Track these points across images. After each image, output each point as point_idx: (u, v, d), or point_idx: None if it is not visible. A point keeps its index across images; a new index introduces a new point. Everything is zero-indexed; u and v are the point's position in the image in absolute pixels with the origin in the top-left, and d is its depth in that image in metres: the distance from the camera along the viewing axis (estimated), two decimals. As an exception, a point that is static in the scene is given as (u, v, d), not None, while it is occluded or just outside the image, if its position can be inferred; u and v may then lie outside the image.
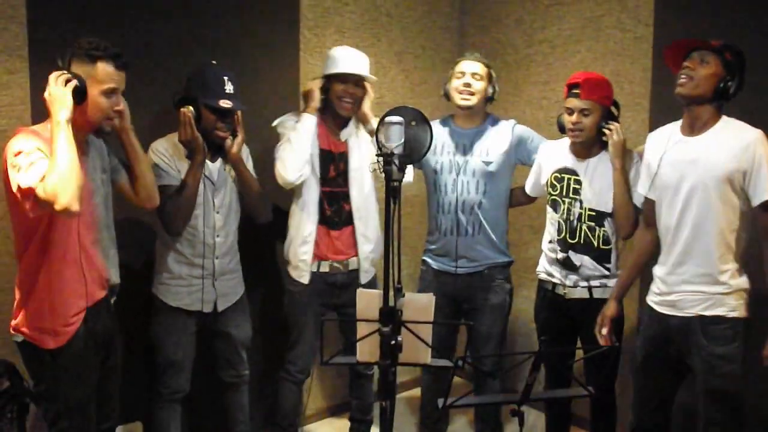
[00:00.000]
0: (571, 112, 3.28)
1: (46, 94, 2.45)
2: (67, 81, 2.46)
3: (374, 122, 3.51)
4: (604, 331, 3.21)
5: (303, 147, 3.40)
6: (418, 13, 4.67)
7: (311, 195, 3.52)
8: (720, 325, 2.82)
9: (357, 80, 3.48)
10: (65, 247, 2.60)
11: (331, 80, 3.47)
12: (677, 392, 3.10)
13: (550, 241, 3.47)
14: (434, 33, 4.79)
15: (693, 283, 2.87)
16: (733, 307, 2.82)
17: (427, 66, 4.76)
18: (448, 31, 4.88)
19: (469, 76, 3.55)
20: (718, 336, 2.81)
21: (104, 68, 2.57)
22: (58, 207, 2.29)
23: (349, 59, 3.48)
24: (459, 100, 3.57)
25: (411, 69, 4.67)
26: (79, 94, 2.49)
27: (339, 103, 3.48)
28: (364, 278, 3.68)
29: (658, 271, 3.03)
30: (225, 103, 3.13)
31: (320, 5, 4.11)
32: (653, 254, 3.10)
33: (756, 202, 2.75)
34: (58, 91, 2.43)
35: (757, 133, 2.75)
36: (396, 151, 2.34)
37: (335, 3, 4.18)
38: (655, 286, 3.03)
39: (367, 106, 3.55)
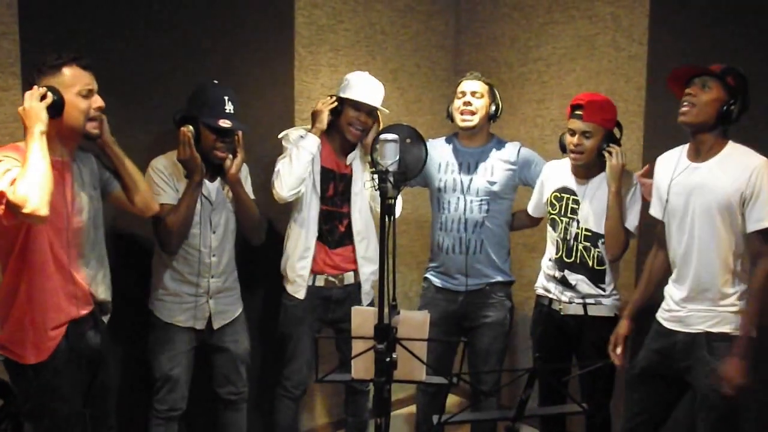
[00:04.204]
0: (573, 133, 3.28)
1: (20, 109, 2.46)
2: (43, 97, 2.47)
3: None
4: (619, 350, 3.23)
5: (302, 167, 3.40)
6: (413, 31, 4.69)
7: (311, 212, 3.53)
8: (725, 342, 2.83)
9: (370, 110, 3.50)
10: (43, 262, 2.60)
11: (344, 103, 3.49)
12: (670, 412, 3.12)
13: (549, 260, 3.49)
14: (429, 51, 4.81)
15: (701, 303, 2.89)
16: (736, 327, 2.83)
17: (422, 84, 4.78)
18: (443, 49, 4.90)
19: (469, 95, 3.55)
20: (723, 353, 2.83)
21: (71, 72, 2.58)
22: (25, 210, 2.29)
23: (367, 88, 3.49)
24: (460, 121, 3.57)
25: (406, 87, 4.69)
26: (56, 107, 2.50)
27: (348, 129, 3.50)
28: (365, 299, 3.69)
29: (668, 290, 3.06)
30: (224, 123, 3.13)
31: (315, 23, 4.12)
32: (666, 274, 3.11)
33: (749, 228, 2.77)
34: (33, 105, 2.44)
35: (761, 160, 2.76)
36: (391, 169, 2.35)
37: (330, 20, 4.20)
38: (665, 303, 3.06)
39: (372, 137, 3.52)
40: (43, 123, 2.42)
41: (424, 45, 4.77)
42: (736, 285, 2.84)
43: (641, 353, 3.14)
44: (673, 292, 3.02)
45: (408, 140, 2.45)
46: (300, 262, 3.54)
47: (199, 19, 3.61)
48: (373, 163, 2.40)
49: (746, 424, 2.94)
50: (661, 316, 3.07)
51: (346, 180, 3.60)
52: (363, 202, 3.63)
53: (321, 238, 3.58)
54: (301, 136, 3.45)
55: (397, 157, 2.37)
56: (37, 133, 2.40)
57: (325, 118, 3.46)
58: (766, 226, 2.73)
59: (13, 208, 2.32)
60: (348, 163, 3.61)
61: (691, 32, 3.60)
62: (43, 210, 2.33)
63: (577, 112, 3.27)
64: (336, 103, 3.49)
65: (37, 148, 2.38)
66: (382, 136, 2.37)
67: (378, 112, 3.57)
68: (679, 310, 2.96)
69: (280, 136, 3.54)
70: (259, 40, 3.86)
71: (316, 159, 3.49)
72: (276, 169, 3.46)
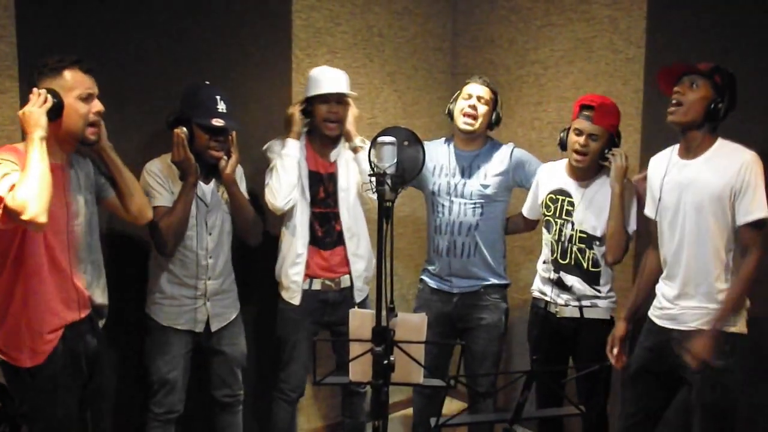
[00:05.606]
0: (579, 133, 3.27)
1: (19, 113, 2.47)
2: (45, 101, 2.47)
3: (358, 140, 3.55)
4: (615, 351, 3.24)
5: (289, 173, 3.42)
6: (411, 34, 4.69)
7: (301, 217, 3.52)
8: (719, 339, 2.84)
9: (339, 98, 3.49)
10: (39, 265, 2.59)
11: (314, 102, 3.49)
12: (665, 409, 3.13)
13: (544, 262, 3.50)
14: (427, 54, 4.81)
15: (694, 299, 2.91)
16: (733, 322, 2.86)
17: (420, 86, 4.78)
18: (440, 51, 4.90)
19: (475, 99, 3.54)
20: (717, 350, 2.84)
21: (72, 75, 2.58)
22: (24, 217, 2.29)
23: (328, 78, 3.49)
24: (462, 124, 3.56)
25: (403, 89, 4.69)
26: (55, 110, 2.50)
27: (324, 125, 3.49)
28: (358, 296, 3.68)
29: (659, 288, 3.08)
30: (217, 122, 3.14)
31: (312, 26, 4.12)
32: (660, 273, 3.12)
33: (740, 221, 2.80)
34: (33, 111, 2.44)
35: (751, 154, 2.79)
36: (388, 171, 2.35)
37: (327, 23, 4.20)
38: (657, 301, 3.08)
39: (350, 123, 3.56)
40: (43, 129, 2.43)
41: (421, 47, 4.77)
42: (728, 280, 2.87)
43: (635, 352, 3.17)
44: (664, 290, 3.04)
45: (406, 142, 2.44)
46: (293, 268, 3.54)
47: (197, 21, 3.60)
48: (371, 166, 2.40)
49: (741, 421, 2.95)
50: (653, 313, 3.10)
51: (334, 179, 3.59)
52: (351, 199, 3.62)
53: (316, 241, 3.58)
54: (282, 147, 3.47)
55: (395, 160, 2.37)
56: (36, 139, 2.40)
57: (298, 120, 3.48)
58: (755, 218, 2.77)
59: (11, 214, 2.31)
60: (332, 160, 3.60)
61: (688, 35, 3.60)
62: (42, 217, 2.33)
63: (587, 113, 3.26)
64: (305, 104, 3.50)
65: (37, 153, 2.38)
66: (380, 139, 2.37)
67: (347, 99, 3.54)
68: (672, 307, 2.98)
69: (264, 148, 3.55)
70: (256, 43, 3.85)
71: (302, 164, 3.51)
72: (266, 182, 3.48)
